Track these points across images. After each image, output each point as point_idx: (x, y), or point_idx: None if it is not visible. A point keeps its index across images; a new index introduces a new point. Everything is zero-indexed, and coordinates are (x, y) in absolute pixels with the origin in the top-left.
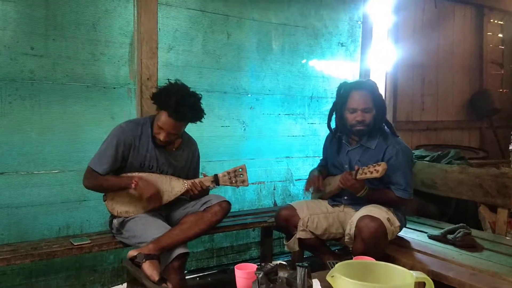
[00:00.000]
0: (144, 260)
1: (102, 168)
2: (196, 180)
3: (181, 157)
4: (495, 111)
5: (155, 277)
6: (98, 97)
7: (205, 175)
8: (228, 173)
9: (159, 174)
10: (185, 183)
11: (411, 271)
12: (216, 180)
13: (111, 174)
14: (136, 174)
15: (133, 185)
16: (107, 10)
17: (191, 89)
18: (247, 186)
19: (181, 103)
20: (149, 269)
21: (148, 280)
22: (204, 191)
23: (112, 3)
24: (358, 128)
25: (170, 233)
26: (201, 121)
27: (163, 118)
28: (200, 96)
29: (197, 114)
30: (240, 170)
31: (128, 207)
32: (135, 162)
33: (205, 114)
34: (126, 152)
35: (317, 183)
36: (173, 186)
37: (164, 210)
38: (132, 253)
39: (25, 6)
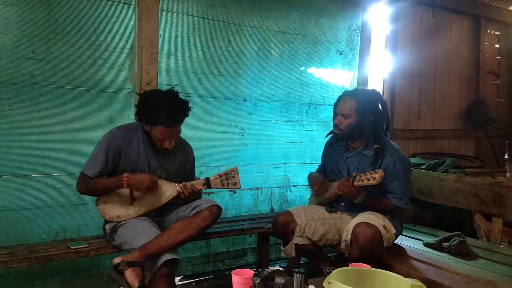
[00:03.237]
0: (126, 267)
1: (92, 173)
2: (188, 183)
3: (174, 160)
4: (491, 121)
5: (135, 284)
6: (97, 101)
7: (197, 179)
8: (220, 176)
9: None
10: (176, 186)
11: (407, 279)
12: (207, 183)
13: (101, 177)
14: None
15: (124, 183)
16: (108, 16)
17: (161, 90)
18: (239, 188)
19: (170, 112)
20: (131, 276)
21: None
22: (196, 195)
23: (113, 8)
24: (334, 131)
25: (156, 239)
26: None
27: (161, 131)
28: (176, 90)
29: (186, 110)
30: (232, 172)
31: (119, 211)
32: (126, 167)
33: (188, 102)
34: (116, 157)
35: (320, 180)
36: (164, 190)
37: (156, 215)
38: (116, 260)
39: (27, 10)
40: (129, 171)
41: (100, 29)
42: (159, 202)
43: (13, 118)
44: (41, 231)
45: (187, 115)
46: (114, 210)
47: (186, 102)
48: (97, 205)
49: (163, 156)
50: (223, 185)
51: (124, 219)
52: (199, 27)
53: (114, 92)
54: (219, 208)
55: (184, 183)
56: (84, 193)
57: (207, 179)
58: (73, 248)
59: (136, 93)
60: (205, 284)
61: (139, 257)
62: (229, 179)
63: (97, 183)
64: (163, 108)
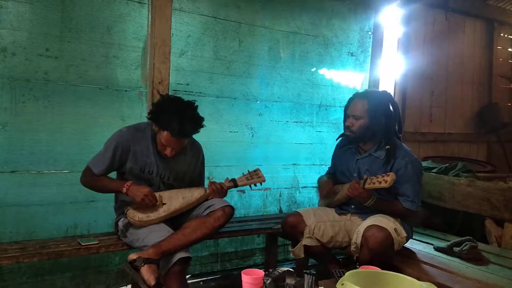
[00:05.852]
0: (142, 264)
1: (98, 170)
2: (217, 183)
3: (184, 161)
4: (503, 125)
5: (152, 281)
6: (109, 99)
7: (227, 180)
8: (244, 174)
9: (179, 189)
10: (204, 188)
11: (420, 282)
12: (234, 181)
13: (106, 176)
14: (158, 193)
15: (124, 189)
16: (122, 14)
17: (184, 99)
18: (264, 181)
19: (183, 122)
20: (147, 273)
21: (144, 284)
22: (223, 193)
23: (127, 7)
24: (346, 133)
25: (171, 237)
26: (203, 127)
27: (167, 137)
28: (196, 104)
29: (198, 126)
30: (256, 171)
31: (149, 212)
32: (134, 167)
33: (203, 119)
34: (123, 156)
35: (328, 187)
36: (192, 192)
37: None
38: (132, 256)
39: (42, 8)
40: (137, 171)
41: (113, 28)
42: (187, 202)
43: (26, 115)
44: (52, 227)
45: (197, 131)
46: (144, 212)
47: (201, 119)
48: (126, 211)
49: (172, 157)
50: (247, 179)
51: (154, 218)
52: (211, 26)
53: (126, 91)
54: (232, 208)
55: (212, 180)
56: (86, 186)
57: (233, 179)
58: (83, 244)
59: (160, 94)
60: (213, 284)
61: (154, 254)
62: (253, 176)
63: (100, 181)
64: (177, 117)
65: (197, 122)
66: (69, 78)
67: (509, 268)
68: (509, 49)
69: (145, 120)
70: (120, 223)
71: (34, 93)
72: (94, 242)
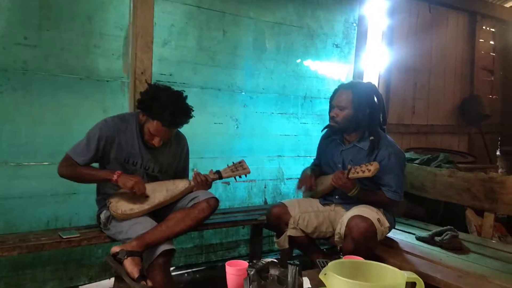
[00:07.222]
0: (126, 256)
1: (82, 159)
2: (202, 175)
3: (168, 152)
4: (484, 117)
5: (135, 274)
6: (90, 89)
7: (212, 172)
8: (229, 166)
9: (163, 181)
10: (189, 181)
11: (402, 271)
12: (218, 173)
13: (89, 166)
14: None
15: (115, 176)
16: (103, 3)
17: (173, 88)
18: (249, 172)
19: (175, 112)
20: (130, 266)
21: (127, 277)
22: (208, 186)
23: None
24: (330, 124)
25: (155, 229)
26: (193, 117)
27: (157, 126)
28: (185, 95)
29: (189, 117)
30: (240, 163)
31: (132, 205)
32: (118, 158)
33: (193, 110)
34: (107, 147)
35: (309, 182)
36: (176, 185)
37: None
38: (115, 249)
39: None
40: (122, 162)
41: (94, 16)
42: (171, 194)
43: (4, 105)
44: (32, 220)
45: (187, 122)
46: (127, 205)
47: (191, 109)
48: (109, 204)
49: (157, 148)
50: (232, 171)
51: (138, 211)
52: (195, 16)
53: (107, 81)
54: (216, 200)
55: (196, 172)
56: (65, 177)
57: (218, 171)
58: (64, 237)
59: (146, 83)
60: (198, 275)
61: (137, 247)
62: (238, 168)
63: (84, 170)
64: (170, 106)
65: (188, 113)
66: (48, 68)
67: (488, 257)
68: (491, 42)
69: (127, 110)
70: (102, 216)
71: (12, 83)
72: (76, 235)
